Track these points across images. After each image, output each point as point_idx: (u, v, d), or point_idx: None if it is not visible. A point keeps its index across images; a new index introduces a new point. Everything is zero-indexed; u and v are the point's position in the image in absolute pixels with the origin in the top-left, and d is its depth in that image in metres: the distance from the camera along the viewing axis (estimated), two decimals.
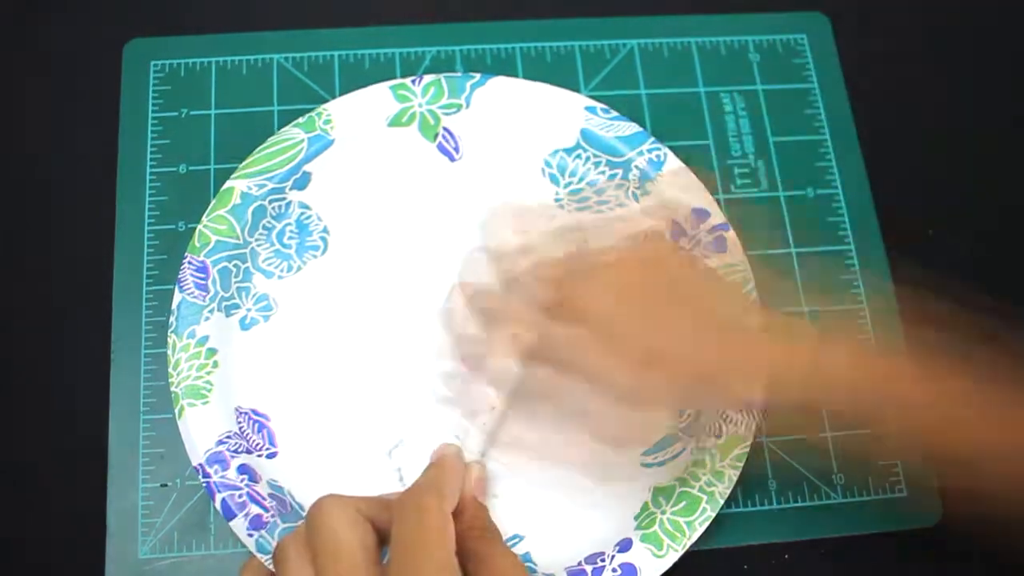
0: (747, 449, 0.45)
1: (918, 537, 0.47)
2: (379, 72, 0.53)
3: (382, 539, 0.37)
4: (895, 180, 0.54)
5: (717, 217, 0.48)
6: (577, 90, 0.53)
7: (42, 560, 0.45)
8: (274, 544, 0.42)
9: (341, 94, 0.52)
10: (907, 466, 0.48)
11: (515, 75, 0.53)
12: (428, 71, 0.53)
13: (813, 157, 0.53)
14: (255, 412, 0.46)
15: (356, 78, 0.53)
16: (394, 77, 0.53)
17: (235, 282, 0.47)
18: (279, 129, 0.51)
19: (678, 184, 0.49)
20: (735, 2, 0.57)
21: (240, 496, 0.43)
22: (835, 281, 0.51)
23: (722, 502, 0.44)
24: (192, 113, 0.52)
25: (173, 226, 0.49)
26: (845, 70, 0.56)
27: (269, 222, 0.49)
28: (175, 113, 0.52)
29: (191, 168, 0.50)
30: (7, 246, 0.49)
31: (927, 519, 0.47)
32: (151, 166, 0.50)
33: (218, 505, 0.43)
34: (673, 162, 0.50)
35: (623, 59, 0.55)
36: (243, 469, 0.44)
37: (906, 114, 0.56)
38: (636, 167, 0.50)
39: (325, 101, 0.52)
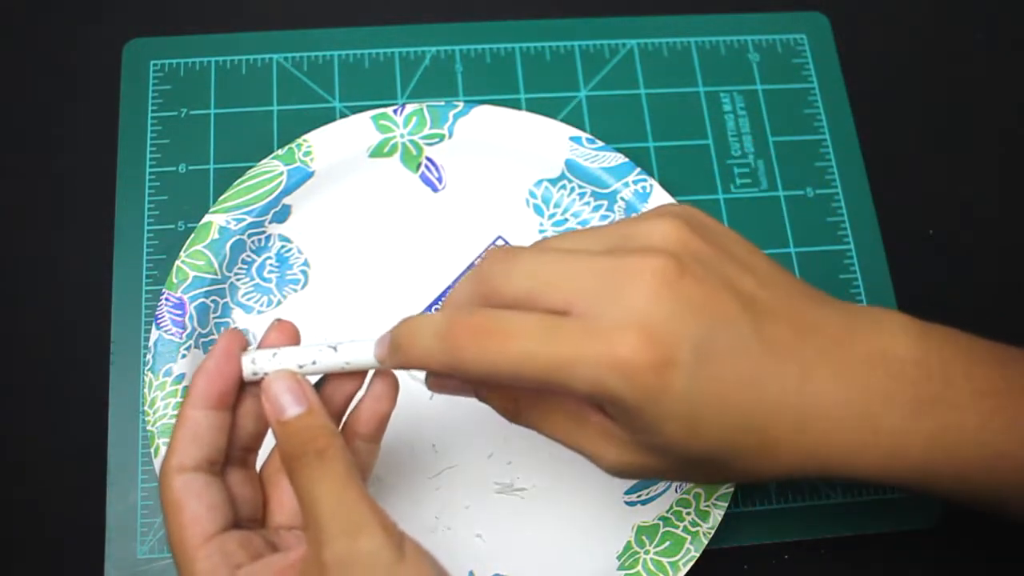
0: (732, 488, 0.44)
1: (918, 537, 0.47)
2: (379, 72, 0.53)
3: None
4: (895, 180, 0.54)
5: None
6: (577, 90, 0.53)
7: (42, 559, 0.45)
8: None
9: (341, 94, 0.52)
10: None
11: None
12: (428, 71, 0.53)
13: (813, 157, 0.53)
14: None
15: (356, 78, 0.53)
16: (394, 76, 0.53)
17: (213, 318, 0.47)
18: (278, 128, 0.51)
19: None
20: (735, 2, 0.57)
21: None
22: (835, 281, 0.51)
23: (707, 542, 0.43)
24: (192, 113, 0.52)
25: (173, 226, 0.49)
26: (845, 70, 0.56)
27: (249, 256, 0.48)
28: (175, 113, 0.52)
29: (191, 168, 0.50)
30: (7, 246, 0.49)
31: (927, 519, 0.47)
32: (151, 166, 0.50)
33: None
34: (660, 194, 0.49)
35: (623, 59, 0.55)
36: None
37: (906, 114, 0.56)
38: (622, 198, 0.49)
39: (325, 101, 0.52)
